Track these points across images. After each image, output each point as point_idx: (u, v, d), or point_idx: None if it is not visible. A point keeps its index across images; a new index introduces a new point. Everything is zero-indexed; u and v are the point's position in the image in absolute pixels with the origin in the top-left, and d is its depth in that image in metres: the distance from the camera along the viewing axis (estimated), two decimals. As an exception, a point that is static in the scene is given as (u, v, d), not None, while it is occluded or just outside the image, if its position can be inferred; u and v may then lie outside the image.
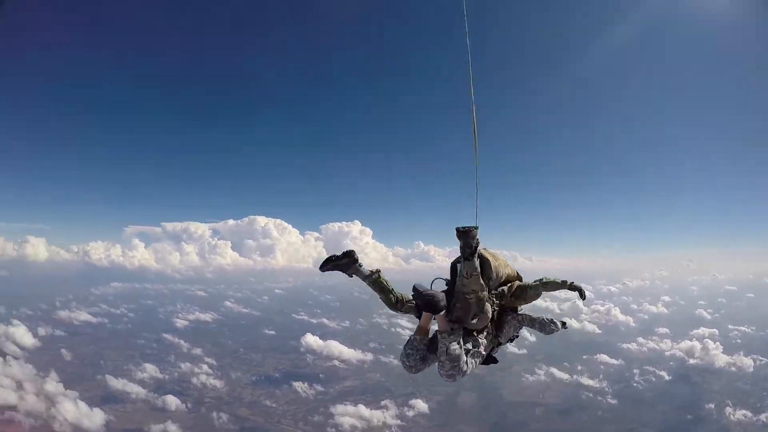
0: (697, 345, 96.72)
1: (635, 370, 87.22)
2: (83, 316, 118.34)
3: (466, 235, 5.25)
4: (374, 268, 5.99)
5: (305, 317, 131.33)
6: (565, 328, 6.47)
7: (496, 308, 5.90)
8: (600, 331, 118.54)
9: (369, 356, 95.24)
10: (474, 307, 5.49)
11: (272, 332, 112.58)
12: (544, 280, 6.27)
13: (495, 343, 5.95)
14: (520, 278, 6.41)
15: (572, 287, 6.31)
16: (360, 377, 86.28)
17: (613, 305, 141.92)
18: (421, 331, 5.46)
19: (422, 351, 5.38)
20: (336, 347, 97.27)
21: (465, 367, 5.13)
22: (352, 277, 6.02)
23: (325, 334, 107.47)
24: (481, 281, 5.44)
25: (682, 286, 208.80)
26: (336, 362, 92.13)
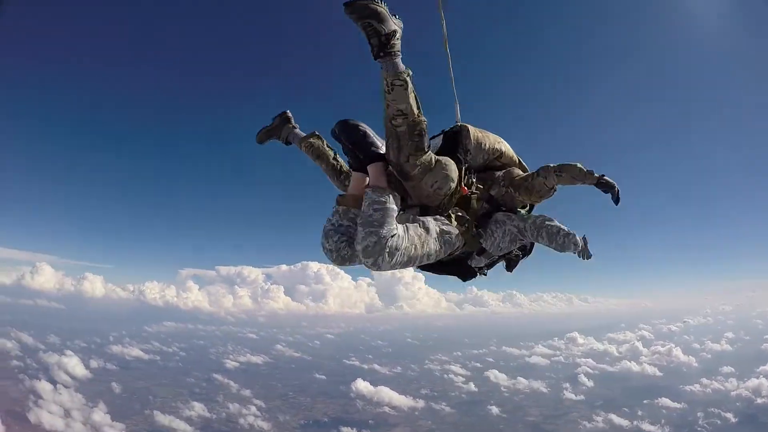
0: (765, 383, 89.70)
1: (699, 414, 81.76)
2: (135, 351, 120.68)
3: (359, 10, 3.21)
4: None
5: (356, 363, 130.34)
6: (588, 257, 4.58)
7: (476, 192, 4.38)
8: (661, 374, 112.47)
9: (420, 403, 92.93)
10: (407, 142, 3.57)
11: (323, 377, 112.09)
12: (560, 164, 4.47)
13: (474, 245, 4.24)
14: (523, 167, 4.88)
15: (601, 182, 4.35)
16: (411, 424, 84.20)
17: (674, 345, 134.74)
18: (347, 199, 3.72)
19: (348, 229, 3.65)
20: (387, 393, 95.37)
21: (389, 242, 3.25)
22: (290, 144, 5.04)
23: (375, 380, 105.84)
24: (414, 99, 3.47)
25: (747, 321, 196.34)
26: (386, 409, 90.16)
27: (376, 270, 3.36)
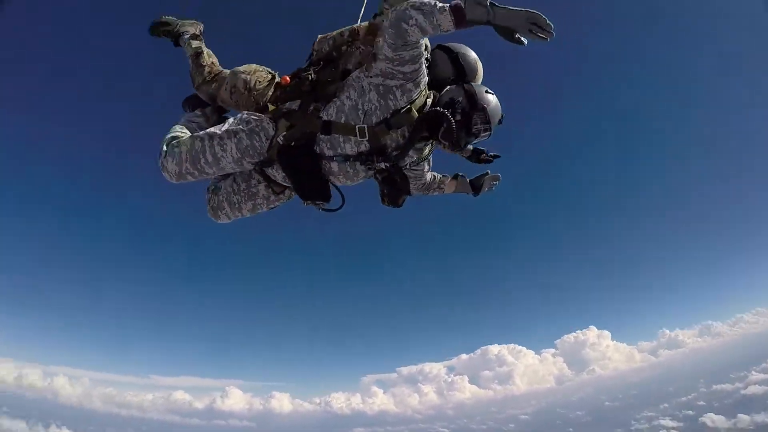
0: None
1: None
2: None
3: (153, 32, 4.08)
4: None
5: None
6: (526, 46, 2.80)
7: (309, 74, 3.43)
8: None
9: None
10: (193, 69, 3.85)
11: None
12: None
13: (310, 123, 3.18)
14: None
15: None
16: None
17: None
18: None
19: (216, 181, 3.74)
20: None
21: (165, 140, 3.40)
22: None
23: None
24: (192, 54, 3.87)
25: None
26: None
27: (168, 176, 3.31)
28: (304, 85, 3.38)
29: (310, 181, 3.28)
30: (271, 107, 3.37)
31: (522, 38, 2.76)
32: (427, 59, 3.25)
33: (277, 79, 3.56)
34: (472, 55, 3.49)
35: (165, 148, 3.31)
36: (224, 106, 3.73)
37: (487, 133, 3.29)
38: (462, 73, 3.38)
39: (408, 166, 3.51)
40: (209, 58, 3.80)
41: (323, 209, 3.45)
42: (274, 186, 3.47)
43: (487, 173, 4.19)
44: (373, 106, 3.07)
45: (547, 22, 2.69)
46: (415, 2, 2.79)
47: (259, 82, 3.51)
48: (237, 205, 3.54)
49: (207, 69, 3.73)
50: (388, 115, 3.07)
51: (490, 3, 2.72)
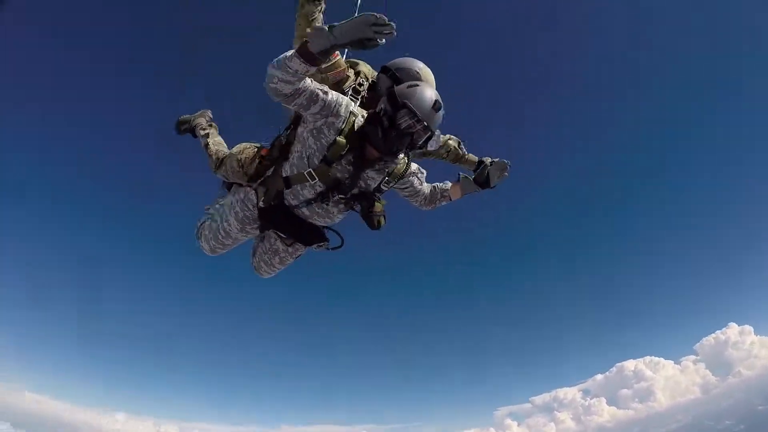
0: None
1: None
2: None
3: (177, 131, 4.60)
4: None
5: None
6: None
7: (283, 140, 3.55)
8: None
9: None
10: (206, 158, 4.15)
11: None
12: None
13: (275, 182, 3.47)
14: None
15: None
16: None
17: None
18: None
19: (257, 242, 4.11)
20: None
21: (198, 223, 4.00)
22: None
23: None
24: (208, 150, 4.18)
25: None
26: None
27: (206, 253, 3.93)
28: (276, 151, 3.55)
29: (297, 230, 3.57)
30: (255, 178, 3.65)
31: (376, 41, 2.65)
32: (360, 84, 3.58)
33: (259, 151, 3.70)
34: (416, 66, 3.58)
35: (196, 232, 4.00)
36: (235, 182, 3.94)
37: (423, 127, 3.14)
38: None
39: (384, 188, 3.53)
40: (214, 146, 4.17)
41: (330, 249, 3.75)
42: (285, 240, 3.76)
43: (485, 164, 4.09)
44: (312, 150, 3.23)
45: (382, 16, 2.60)
46: (273, 61, 2.88)
47: (248, 158, 3.71)
48: (269, 262, 3.92)
49: (214, 157, 4.07)
50: (326, 152, 3.19)
51: (329, 27, 2.71)
